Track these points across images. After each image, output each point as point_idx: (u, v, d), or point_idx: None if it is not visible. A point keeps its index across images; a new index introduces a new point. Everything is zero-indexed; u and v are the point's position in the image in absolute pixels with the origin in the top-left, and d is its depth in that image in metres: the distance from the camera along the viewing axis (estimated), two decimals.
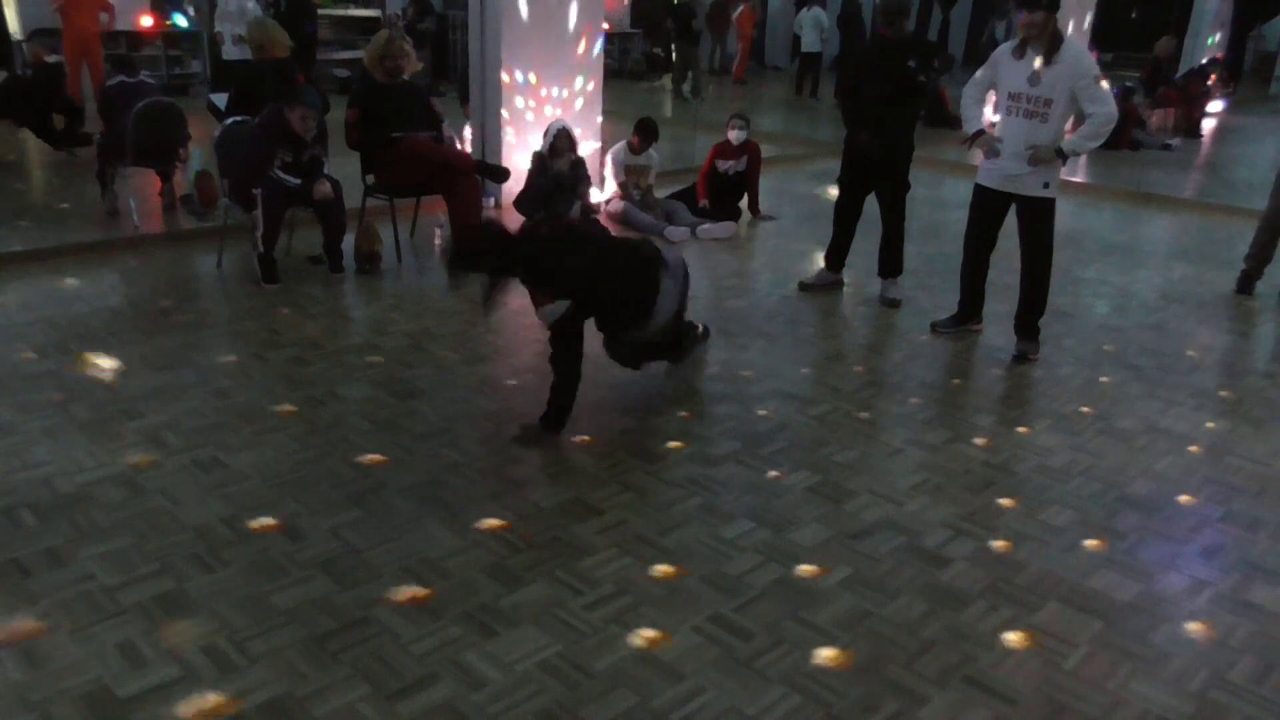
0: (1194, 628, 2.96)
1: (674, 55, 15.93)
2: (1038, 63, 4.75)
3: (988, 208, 5.15)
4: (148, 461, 3.62)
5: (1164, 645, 2.88)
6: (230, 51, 9.56)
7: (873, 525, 3.46)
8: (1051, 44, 4.72)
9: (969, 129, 5.15)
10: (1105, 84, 4.78)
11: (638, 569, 3.11)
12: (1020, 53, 4.84)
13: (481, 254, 3.80)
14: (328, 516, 3.32)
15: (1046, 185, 4.91)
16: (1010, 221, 5.13)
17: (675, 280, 4.06)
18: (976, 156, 5.21)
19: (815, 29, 16.25)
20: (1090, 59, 4.86)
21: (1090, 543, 3.40)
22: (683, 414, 4.28)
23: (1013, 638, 2.88)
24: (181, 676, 2.54)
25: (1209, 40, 18.99)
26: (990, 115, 5.30)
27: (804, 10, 16.61)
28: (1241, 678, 2.76)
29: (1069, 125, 4.94)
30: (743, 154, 7.72)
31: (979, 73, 5.18)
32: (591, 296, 3.89)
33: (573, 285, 3.83)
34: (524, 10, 7.42)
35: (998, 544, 3.38)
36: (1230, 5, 19.57)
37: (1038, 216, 5.01)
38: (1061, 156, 4.81)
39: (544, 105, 7.77)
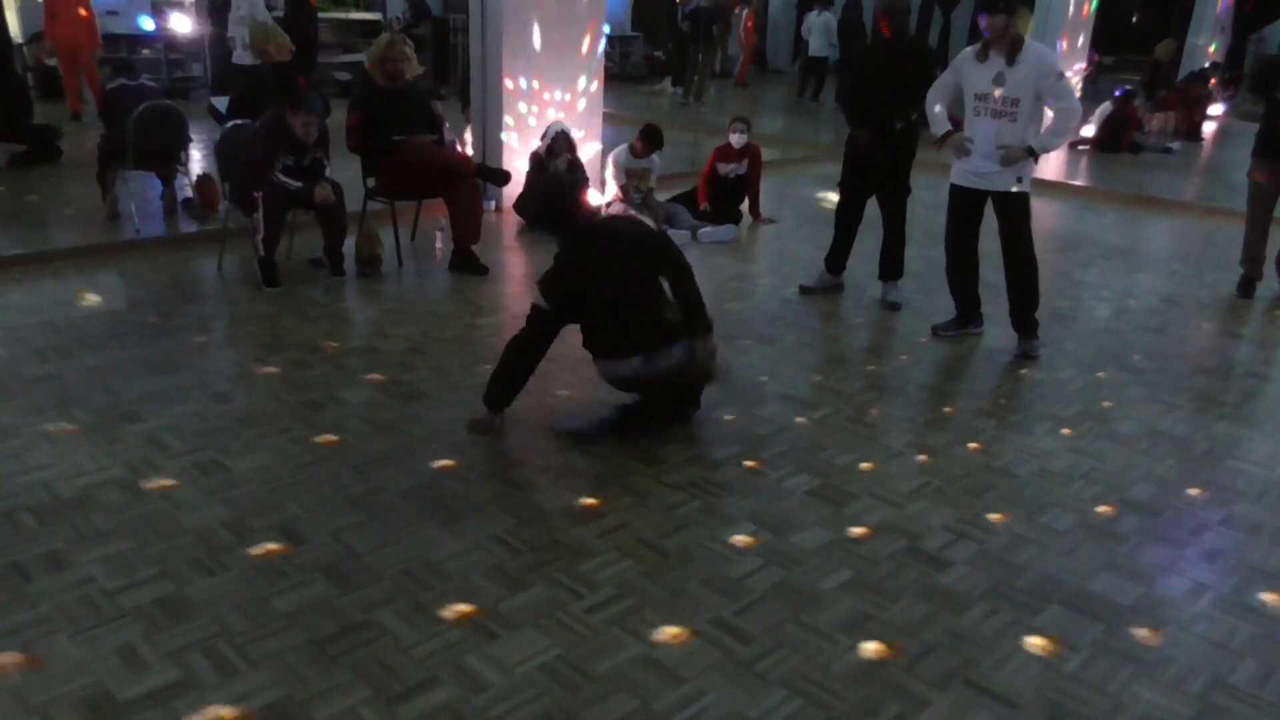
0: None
1: (690, 59, 15.77)
2: (1001, 64, 4.86)
3: (964, 206, 5.22)
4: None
5: (1165, 648, 2.88)
6: (241, 56, 9.58)
7: (873, 528, 3.45)
8: (1013, 46, 4.83)
9: (937, 130, 5.24)
10: (1068, 80, 4.92)
11: (638, 572, 3.11)
12: (983, 55, 4.94)
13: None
14: (328, 520, 3.32)
15: (1020, 180, 5.00)
16: (991, 222, 5.16)
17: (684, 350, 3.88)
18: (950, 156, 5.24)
19: (824, 34, 16.22)
20: (1053, 57, 4.99)
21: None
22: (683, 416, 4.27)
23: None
24: (182, 680, 2.54)
25: (1210, 44, 19.00)
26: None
27: (811, 14, 16.58)
28: (1243, 681, 2.75)
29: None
30: (744, 157, 7.72)
31: (942, 75, 5.27)
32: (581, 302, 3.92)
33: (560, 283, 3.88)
34: (525, 13, 7.43)
35: (998, 547, 3.38)
36: (1231, 9, 19.59)
37: (1013, 213, 5.08)
38: (1033, 155, 4.90)
39: (545, 108, 7.78)
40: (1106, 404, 4.66)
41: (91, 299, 4.31)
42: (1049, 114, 4.98)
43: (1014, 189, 5.01)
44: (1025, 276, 5.16)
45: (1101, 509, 3.67)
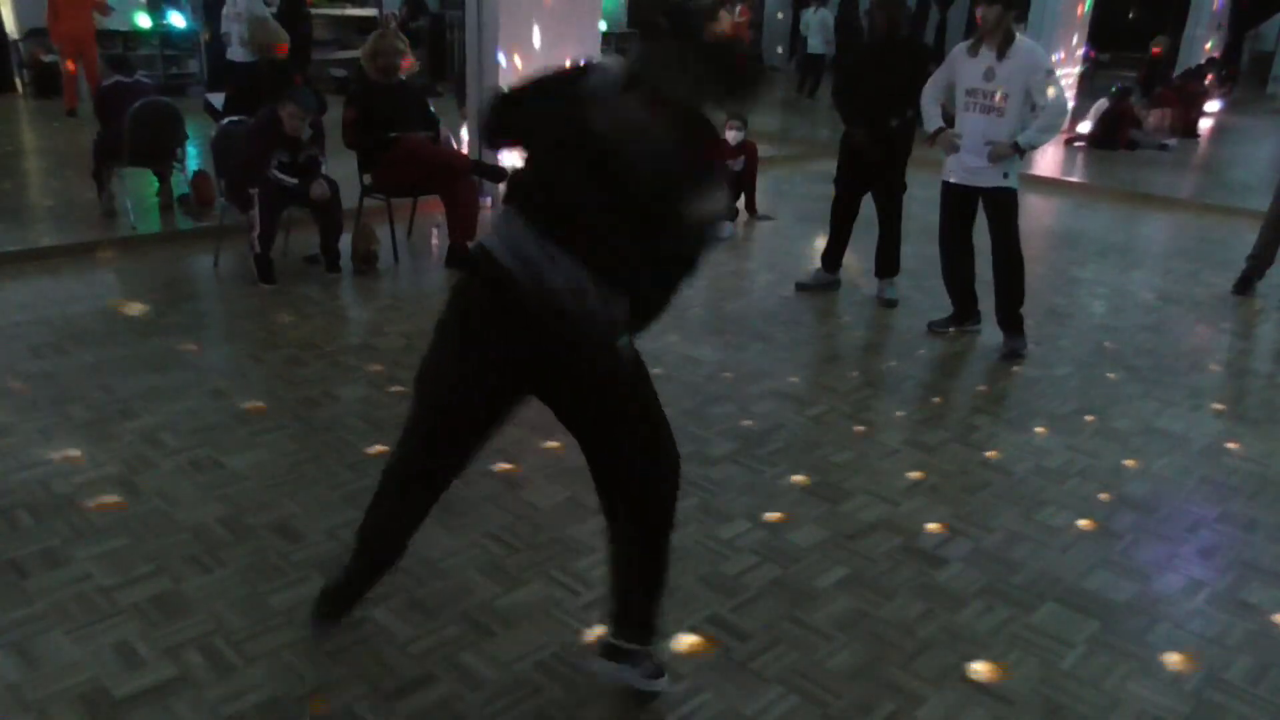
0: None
1: None
2: (991, 58, 4.87)
3: (956, 203, 5.23)
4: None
5: (1161, 645, 2.88)
6: (236, 52, 9.56)
7: (869, 525, 3.46)
8: (1005, 40, 4.84)
9: (929, 126, 5.25)
10: (1057, 78, 4.93)
11: None
12: (975, 50, 4.96)
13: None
14: (325, 517, 3.32)
15: (1006, 175, 5.00)
16: (983, 218, 5.17)
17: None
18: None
19: (820, 31, 16.23)
20: (1043, 54, 5.01)
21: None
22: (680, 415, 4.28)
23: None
24: (178, 677, 2.54)
25: (1207, 41, 19.03)
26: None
27: (809, 11, 16.60)
28: (1238, 677, 2.76)
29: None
30: (740, 154, 7.72)
31: (937, 71, 5.28)
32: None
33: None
34: (521, 9, 7.41)
35: (994, 544, 3.38)
36: (1227, 5, 19.60)
37: (1001, 208, 5.09)
38: (1019, 151, 4.90)
39: None
40: (1102, 401, 4.67)
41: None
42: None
43: (1002, 184, 5.01)
44: (1010, 273, 5.16)
45: (1097, 506, 3.68)
